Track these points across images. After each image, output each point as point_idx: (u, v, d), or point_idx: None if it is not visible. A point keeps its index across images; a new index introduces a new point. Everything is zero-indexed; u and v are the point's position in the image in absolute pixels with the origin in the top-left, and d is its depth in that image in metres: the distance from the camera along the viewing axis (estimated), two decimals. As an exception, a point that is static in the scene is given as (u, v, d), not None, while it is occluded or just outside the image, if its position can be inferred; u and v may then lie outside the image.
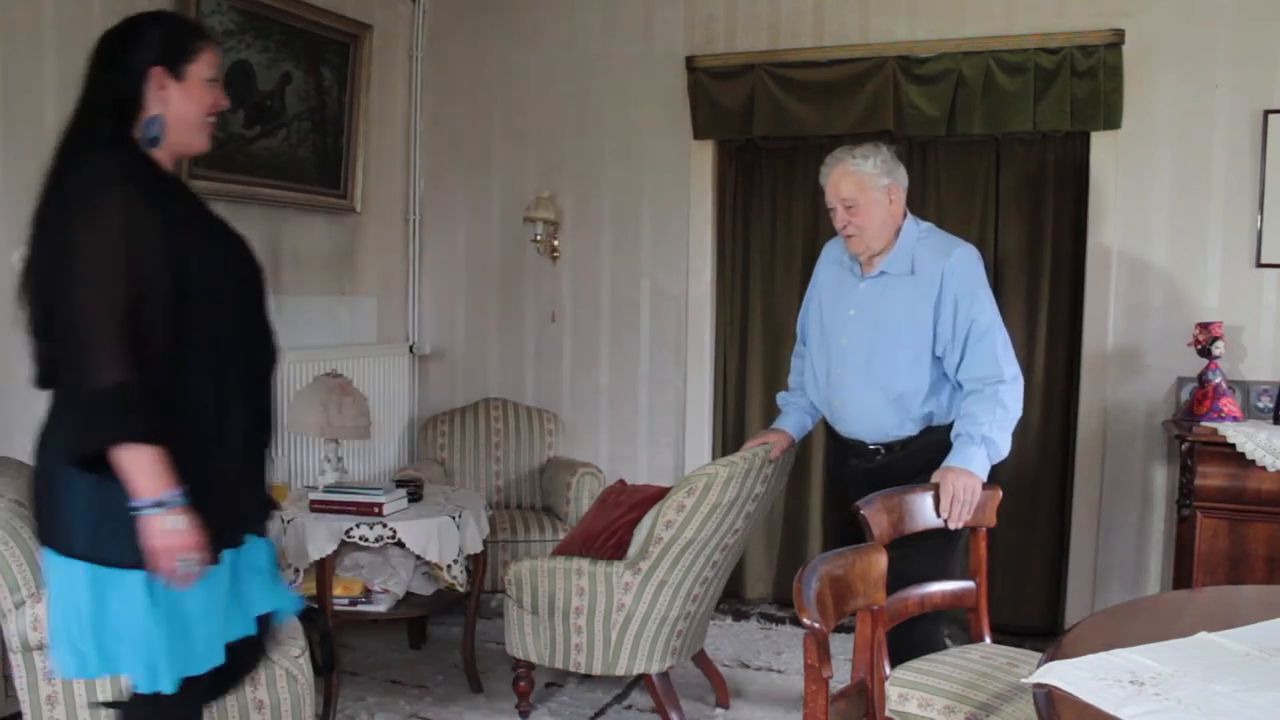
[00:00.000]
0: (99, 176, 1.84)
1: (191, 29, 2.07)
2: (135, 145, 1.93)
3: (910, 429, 2.70)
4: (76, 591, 1.81)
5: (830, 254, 2.94)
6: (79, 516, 1.82)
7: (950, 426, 2.66)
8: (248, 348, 1.98)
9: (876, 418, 2.71)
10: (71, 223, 1.80)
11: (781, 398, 3.09)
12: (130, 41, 1.97)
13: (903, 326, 2.66)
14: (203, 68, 1.98)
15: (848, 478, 2.81)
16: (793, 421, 3.00)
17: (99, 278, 1.77)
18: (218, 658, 1.89)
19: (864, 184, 2.67)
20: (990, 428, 2.54)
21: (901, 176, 2.74)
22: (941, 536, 2.58)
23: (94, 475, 1.77)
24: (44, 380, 1.93)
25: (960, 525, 2.48)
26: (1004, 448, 2.58)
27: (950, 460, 2.54)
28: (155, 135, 1.94)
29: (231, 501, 1.93)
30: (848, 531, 2.64)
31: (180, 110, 1.95)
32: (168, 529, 1.75)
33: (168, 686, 1.82)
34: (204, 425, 1.88)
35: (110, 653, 1.82)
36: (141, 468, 1.75)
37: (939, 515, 2.46)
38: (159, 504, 1.75)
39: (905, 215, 2.75)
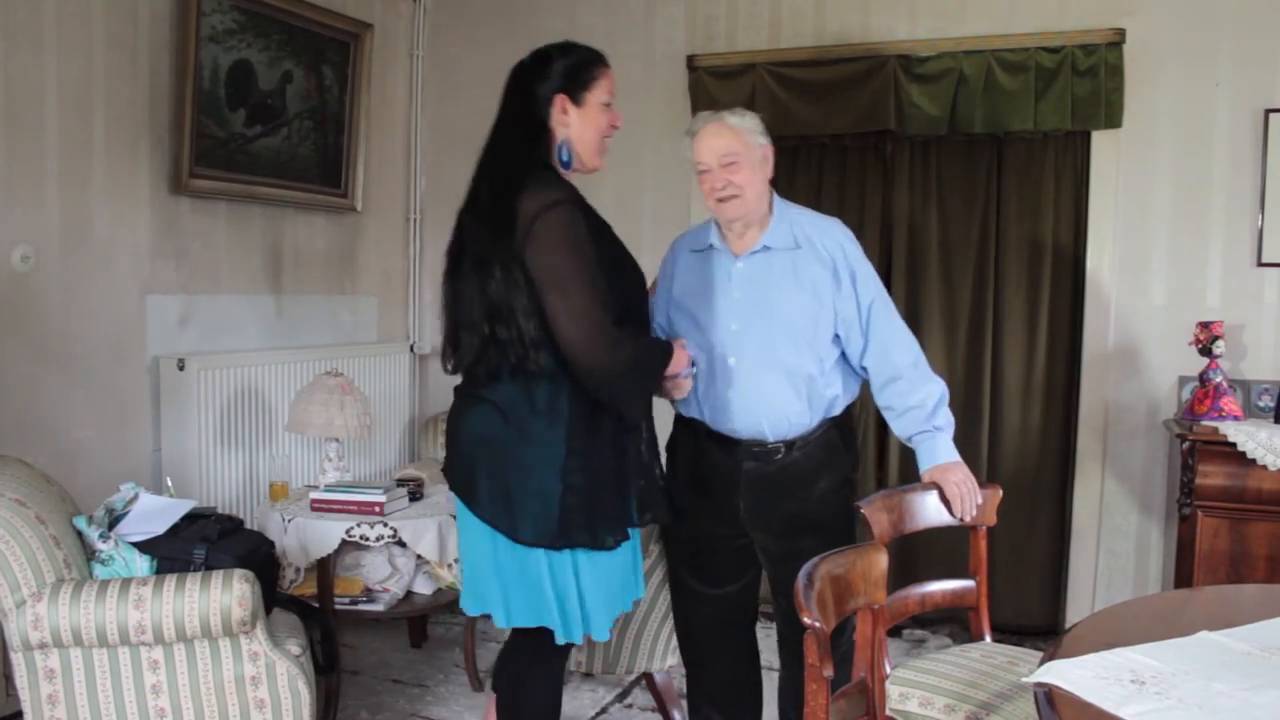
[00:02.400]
0: (555, 199, 2.12)
1: (590, 58, 2.30)
2: (553, 167, 2.23)
3: (812, 419, 2.47)
4: (532, 567, 2.20)
5: (682, 244, 2.67)
6: (531, 509, 2.17)
7: (847, 414, 2.56)
8: None
9: (782, 406, 2.44)
10: (544, 243, 2.10)
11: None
12: (539, 72, 2.25)
13: (800, 301, 2.43)
14: (600, 93, 2.27)
15: (742, 485, 2.51)
16: None
17: (586, 280, 2.10)
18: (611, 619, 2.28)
19: (743, 138, 2.42)
20: (941, 412, 2.46)
21: (770, 147, 2.51)
22: (825, 539, 2.42)
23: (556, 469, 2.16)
24: (479, 372, 2.22)
25: (974, 515, 2.46)
26: (953, 422, 2.50)
27: (930, 459, 2.47)
28: (566, 160, 2.25)
29: (648, 488, 2.31)
30: (715, 550, 2.59)
31: (578, 133, 2.25)
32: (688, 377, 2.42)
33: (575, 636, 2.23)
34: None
35: (542, 611, 2.22)
36: (682, 358, 2.38)
37: (954, 515, 2.45)
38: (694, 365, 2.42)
39: (772, 190, 2.53)
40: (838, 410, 2.53)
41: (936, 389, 2.47)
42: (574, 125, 2.25)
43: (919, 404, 2.44)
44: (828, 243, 2.47)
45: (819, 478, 2.49)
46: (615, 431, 2.24)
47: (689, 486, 2.57)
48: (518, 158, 2.21)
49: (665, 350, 2.34)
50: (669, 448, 2.66)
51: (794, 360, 2.44)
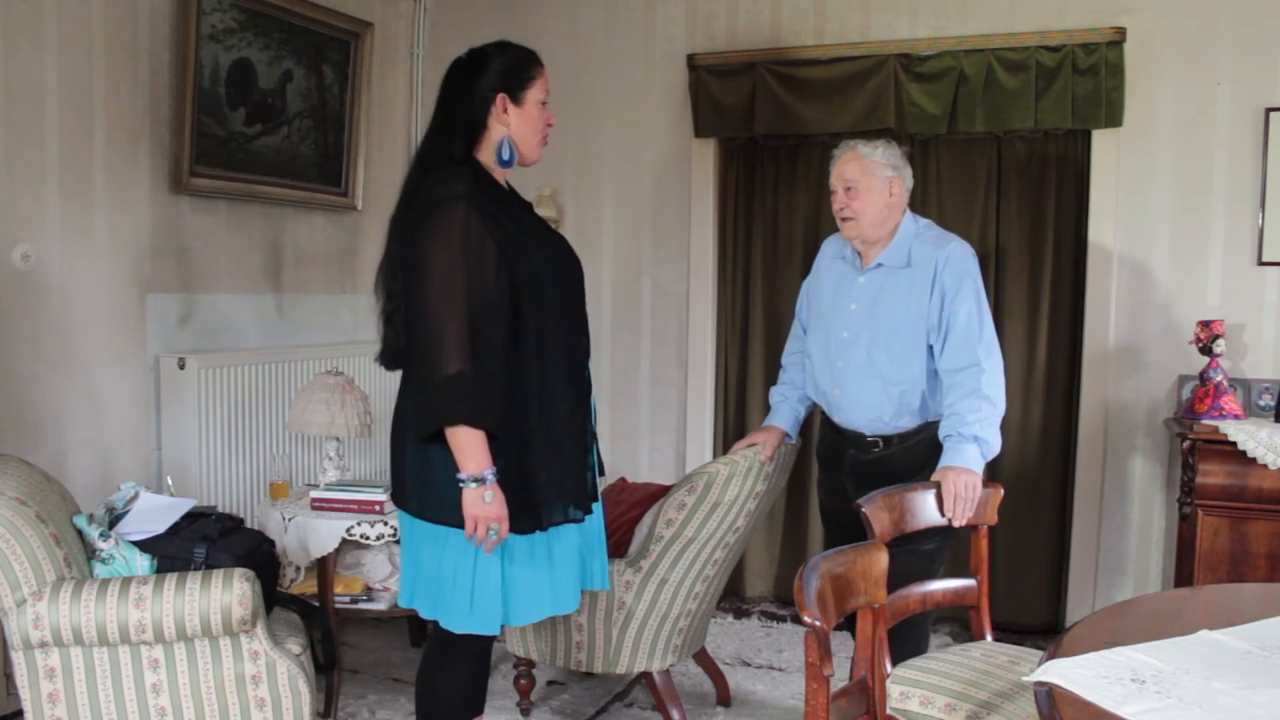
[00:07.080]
0: (448, 195, 2.16)
1: (528, 58, 2.35)
2: (478, 162, 2.28)
3: (909, 422, 2.73)
4: (415, 541, 2.28)
5: (831, 248, 2.98)
6: (414, 481, 2.22)
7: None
8: (569, 338, 2.30)
9: (876, 410, 2.73)
10: (425, 234, 2.14)
11: (775, 392, 3.06)
12: (477, 70, 2.29)
13: (900, 319, 2.70)
14: (537, 92, 2.32)
15: (845, 469, 2.83)
16: (786, 416, 2.99)
17: (446, 282, 2.10)
18: (530, 617, 2.27)
19: (868, 169, 2.73)
20: (979, 426, 2.55)
21: (907, 175, 2.81)
22: (941, 538, 2.59)
23: (436, 447, 2.14)
24: (388, 361, 2.30)
25: (963, 523, 2.49)
26: (996, 444, 2.59)
27: (947, 459, 2.55)
28: (508, 158, 2.30)
29: (556, 479, 2.24)
30: (846, 521, 2.67)
31: (519, 131, 2.31)
32: (483, 501, 2.12)
33: (485, 628, 2.23)
34: (532, 408, 2.21)
35: (432, 594, 2.26)
36: (467, 447, 2.10)
37: (943, 514, 2.46)
38: (478, 480, 2.11)
39: (905, 213, 2.80)
40: (934, 415, 2.71)
41: (983, 408, 2.58)
42: (514, 123, 2.30)
43: (959, 413, 2.59)
44: (938, 257, 2.69)
45: (921, 473, 2.62)
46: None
47: (821, 460, 3.00)
48: (441, 150, 2.27)
49: (481, 414, 2.12)
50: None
51: (891, 371, 2.69)
